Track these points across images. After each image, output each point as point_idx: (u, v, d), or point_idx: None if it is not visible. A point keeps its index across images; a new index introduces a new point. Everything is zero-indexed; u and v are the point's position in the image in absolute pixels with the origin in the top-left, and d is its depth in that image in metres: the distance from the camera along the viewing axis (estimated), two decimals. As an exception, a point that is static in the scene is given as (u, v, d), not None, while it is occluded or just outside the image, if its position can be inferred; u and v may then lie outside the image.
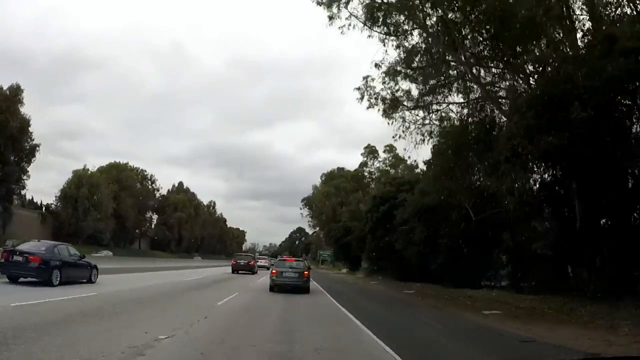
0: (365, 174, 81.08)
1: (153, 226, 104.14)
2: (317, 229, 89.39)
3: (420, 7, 19.89)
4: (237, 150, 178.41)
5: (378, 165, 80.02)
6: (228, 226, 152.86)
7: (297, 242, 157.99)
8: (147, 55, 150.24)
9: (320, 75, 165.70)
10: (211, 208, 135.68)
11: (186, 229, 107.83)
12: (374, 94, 23.99)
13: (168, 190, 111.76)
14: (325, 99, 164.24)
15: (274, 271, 23.20)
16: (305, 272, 23.34)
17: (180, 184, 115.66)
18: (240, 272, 36.91)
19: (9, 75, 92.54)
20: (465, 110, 23.08)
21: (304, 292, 21.94)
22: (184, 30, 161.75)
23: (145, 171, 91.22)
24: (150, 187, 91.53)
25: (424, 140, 24.24)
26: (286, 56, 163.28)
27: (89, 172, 76.13)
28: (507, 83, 20.99)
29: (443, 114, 24.03)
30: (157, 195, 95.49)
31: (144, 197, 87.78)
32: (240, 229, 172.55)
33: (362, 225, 39.76)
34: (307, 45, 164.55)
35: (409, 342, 9.32)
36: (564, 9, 16.93)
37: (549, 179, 17.64)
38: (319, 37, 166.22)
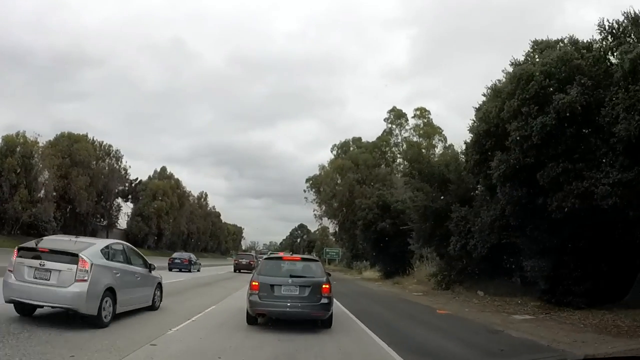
0: (391, 144, 58.77)
1: (127, 217, 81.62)
2: (324, 219, 65.51)
3: None
4: (238, 149, 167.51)
5: (406, 134, 57.68)
6: (223, 221, 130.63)
7: (298, 240, 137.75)
8: (147, 51, 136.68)
9: (322, 73, 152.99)
10: (202, 200, 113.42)
11: (167, 221, 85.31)
12: None
13: (149, 177, 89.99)
14: (327, 98, 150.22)
15: (255, 283, 9.51)
16: (325, 286, 9.47)
17: (163, 168, 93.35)
18: (242, 271, 34.00)
19: (8, 72, 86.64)
20: None
21: (323, 326, 9.55)
22: (184, 25, 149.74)
23: (111, 146, 68.40)
24: (116, 166, 68.54)
25: None
26: (288, 54, 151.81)
27: (23, 137, 53.41)
28: None
29: None
30: (126, 176, 72.49)
31: (106, 176, 64.91)
32: (238, 225, 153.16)
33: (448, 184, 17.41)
34: (309, 43, 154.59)
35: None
36: None
37: None
38: (321, 35, 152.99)
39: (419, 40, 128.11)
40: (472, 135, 15.14)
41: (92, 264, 7.94)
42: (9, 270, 8.02)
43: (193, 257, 35.33)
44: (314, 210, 59.70)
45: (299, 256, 11.37)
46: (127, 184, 75.13)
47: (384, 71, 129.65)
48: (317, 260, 10.78)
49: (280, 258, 10.66)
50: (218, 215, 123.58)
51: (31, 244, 8.51)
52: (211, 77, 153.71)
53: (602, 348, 8.03)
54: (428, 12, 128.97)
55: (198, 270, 33.20)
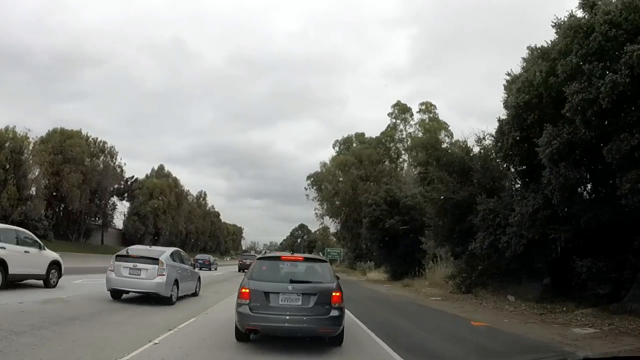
0: (396, 140, 56.27)
1: (124, 216, 78.99)
2: (326, 218, 62.44)
3: None
4: (238, 149, 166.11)
5: (411, 130, 55.05)
6: (222, 221, 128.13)
7: (299, 240, 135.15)
8: (147, 51, 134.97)
9: (322, 73, 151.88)
10: (201, 199, 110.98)
11: (165, 220, 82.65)
12: None
13: (146, 175, 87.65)
14: (327, 98, 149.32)
15: (245, 290, 7.08)
16: (335, 294, 7.02)
17: (161, 167, 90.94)
18: (246, 270, 25.28)
19: (8, 72, 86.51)
20: None
21: (331, 344, 7.33)
22: (184, 25, 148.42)
23: (105, 143, 65.80)
24: (111, 163, 65.85)
25: None
26: (288, 53, 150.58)
27: (13, 132, 50.87)
28: None
29: None
30: (122, 173, 69.80)
31: (100, 174, 62.28)
32: (238, 225, 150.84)
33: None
34: (309, 43, 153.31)
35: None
36: None
37: None
38: (321, 34, 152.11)
39: (419, 40, 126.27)
40: (507, 110, 12.56)
41: (167, 264, 11.69)
42: (110, 270, 11.73)
43: (212, 258, 46.71)
44: (315, 209, 57.05)
45: (301, 255, 8.73)
46: (122, 182, 72.51)
47: (384, 71, 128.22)
48: (324, 261, 8.27)
49: (277, 258, 8.16)
50: (217, 215, 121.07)
51: (124, 252, 12.31)
52: (211, 77, 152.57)
53: None
54: (428, 12, 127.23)
55: (215, 269, 41.04)
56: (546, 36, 13.48)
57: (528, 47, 12.07)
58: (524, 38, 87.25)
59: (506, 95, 13.13)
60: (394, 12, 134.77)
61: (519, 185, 14.98)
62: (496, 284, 17.44)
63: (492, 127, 15.89)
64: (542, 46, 11.42)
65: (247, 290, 6.94)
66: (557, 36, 11.10)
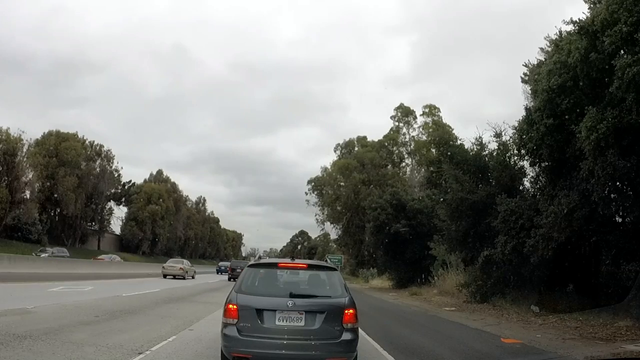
0: (399, 144, 54.89)
1: (121, 221, 77.35)
2: (327, 223, 60.60)
3: None
4: (238, 156, 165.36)
5: (415, 134, 53.59)
6: (222, 227, 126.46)
7: (299, 247, 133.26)
8: (149, 58, 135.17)
9: (323, 80, 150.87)
10: (200, 205, 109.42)
11: (163, 226, 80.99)
12: None
13: (144, 180, 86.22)
14: (328, 104, 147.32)
15: (232, 307, 5.40)
16: (348, 312, 5.38)
17: (159, 172, 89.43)
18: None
19: (10, 77, 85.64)
20: None
21: None
22: (186, 31, 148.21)
23: (102, 146, 64.34)
24: (107, 167, 64.38)
25: None
26: (289, 60, 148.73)
27: (6, 133, 49.37)
28: None
29: None
30: (119, 177, 68.33)
31: (96, 178, 60.80)
32: (238, 232, 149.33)
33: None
34: (311, 49, 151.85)
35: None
36: None
37: None
38: (323, 41, 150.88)
39: (419, 46, 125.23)
40: (535, 98, 11.09)
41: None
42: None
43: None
44: (315, 215, 55.44)
45: (304, 262, 6.48)
46: (119, 187, 70.93)
47: (385, 77, 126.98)
48: (333, 269, 6.33)
49: (274, 265, 6.17)
50: (217, 221, 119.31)
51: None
52: (212, 84, 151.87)
53: None
54: (429, 19, 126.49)
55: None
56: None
57: (563, 21, 10.61)
58: (524, 44, 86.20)
59: (526, 87, 11.70)
60: (394, 19, 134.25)
61: (543, 183, 13.47)
62: (516, 292, 15.88)
63: (495, 133, 14.53)
64: (579, 19, 9.96)
65: (235, 307, 5.33)
66: (594, 6, 9.67)
